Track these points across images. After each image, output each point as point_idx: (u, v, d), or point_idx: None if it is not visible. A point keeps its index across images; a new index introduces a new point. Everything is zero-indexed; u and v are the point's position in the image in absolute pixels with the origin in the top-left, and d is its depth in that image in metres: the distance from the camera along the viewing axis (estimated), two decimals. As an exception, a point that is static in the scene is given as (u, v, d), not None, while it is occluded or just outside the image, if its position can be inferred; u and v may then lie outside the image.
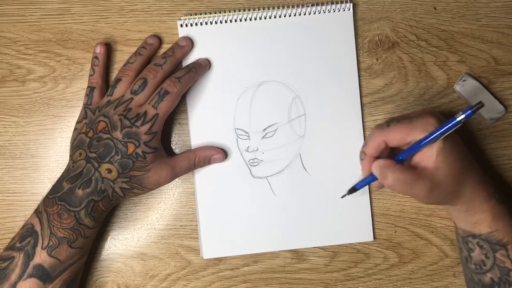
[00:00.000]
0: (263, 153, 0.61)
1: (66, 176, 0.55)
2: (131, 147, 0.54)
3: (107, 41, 0.62)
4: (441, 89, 0.62)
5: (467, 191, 0.54)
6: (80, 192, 0.54)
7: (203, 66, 0.60)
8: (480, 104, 0.50)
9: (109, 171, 0.54)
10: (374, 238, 0.62)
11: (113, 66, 0.62)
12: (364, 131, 0.62)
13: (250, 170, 0.61)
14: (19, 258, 0.53)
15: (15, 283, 0.52)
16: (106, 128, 0.55)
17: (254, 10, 0.61)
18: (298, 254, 0.62)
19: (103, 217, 0.57)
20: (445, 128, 0.51)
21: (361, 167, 0.57)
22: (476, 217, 0.55)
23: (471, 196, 0.55)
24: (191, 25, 0.61)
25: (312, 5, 0.61)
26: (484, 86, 0.61)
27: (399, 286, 0.62)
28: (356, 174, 0.61)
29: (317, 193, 0.61)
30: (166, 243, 0.62)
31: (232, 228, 0.61)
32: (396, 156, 0.54)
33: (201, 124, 0.61)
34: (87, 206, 0.54)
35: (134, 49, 0.61)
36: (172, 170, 0.57)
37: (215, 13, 0.61)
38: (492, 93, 0.61)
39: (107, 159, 0.54)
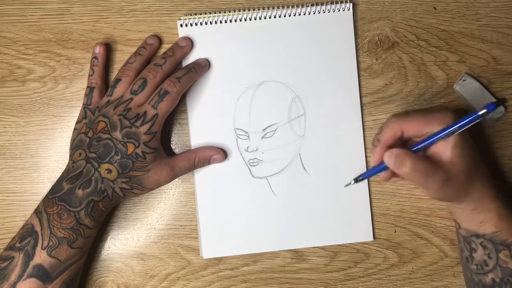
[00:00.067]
0: (263, 153, 0.61)
1: (66, 176, 0.55)
2: (130, 147, 0.54)
3: (107, 41, 0.62)
4: (441, 89, 0.62)
5: (476, 189, 0.54)
6: (80, 192, 0.54)
7: (203, 66, 0.60)
8: (502, 100, 0.50)
9: (109, 171, 0.54)
10: (374, 238, 0.62)
11: (113, 66, 0.62)
12: (364, 131, 0.62)
13: (250, 170, 0.61)
14: (19, 258, 0.53)
15: (15, 283, 0.52)
16: (106, 128, 0.55)
17: (254, 10, 0.61)
18: (298, 254, 0.62)
19: (103, 217, 0.57)
20: (465, 121, 0.50)
21: (372, 154, 0.56)
22: (482, 216, 0.55)
23: (479, 194, 0.55)
24: (191, 25, 0.61)
25: (312, 5, 0.61)
26: (484, 86, 0.61)
27: (399, 286, 0.62)
28: (356, 174, 0.61)
29: (317, 193, 0.61)
30: (166, 243, 0.62)
31: (232, 228, 0.61)
32: (410, 146, 0.53)
33: (201, 124, 0.61)
34: (87, 206, 0.54)
35: (134, 49, 0.61)
36: (172, 170, 0.57)
37: (215, 13, 0.61)
38: (492, 93, 0.61)
39: (107, 159, 0.54)
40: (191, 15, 0.61)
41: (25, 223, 0.55)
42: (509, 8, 0.62)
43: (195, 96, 0.61)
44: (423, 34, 0.62)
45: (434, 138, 0.52)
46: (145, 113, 0.55)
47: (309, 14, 0.61)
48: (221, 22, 0.61)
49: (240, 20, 0.61)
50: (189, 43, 0.60)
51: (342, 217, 0.61)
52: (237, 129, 0.61)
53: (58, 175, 0.56)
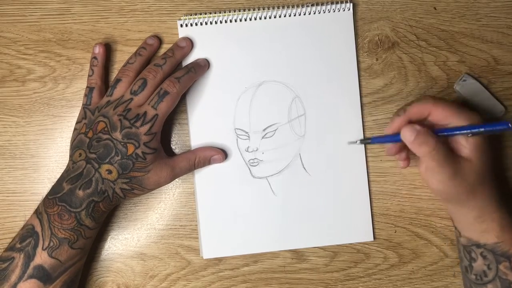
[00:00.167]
0: (263, 153, 0.61)
1: (66, 176, 0.55)
2: (131, 148, 0.54)
3: (107, 41, 0.62)
4: (441, 89, 0.62)
5: (481, 196, 0.54)
6: (80, 193, 0.54)
7: (202, 66, 0.60)
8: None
9: (109, 172, 0.54)
10: (374, 238, 0.62)
11: (113, 66, 0.62)
12: (364, 131, 0.62)
13: (250, 170, 0.61)
14: (19, 259, 0.53)
15: (15, 284, 0.52)
16: (106, 129, 0.55)
17: (254, 10, 0.61)
18: (298, 254, 0.62)
19: (103, 218, 0.57)
20: (493, 128, 0.51)
21: (391, 122, 0.56)
22: (484, 225, 0.55)
23: (483, 201, 0.54)
24: (191, 25, 0.61)
25: (312, 5, 0.61)
26: (484, 86, 0.61)
27: (399, 286, 0.62)
28: (356, 174, 0.61)
29: (317, 193, 0.61)
30: (166, 243, 0.62)
31: (232, 228, 0.61)
32: (434, 130, 0.54)
33: (201, 124, 0.61)
34: (87, 207, 0.54)
35: (134, 49, 0.61)
36: (172, 171, 0.57)
37: (215, 13, 0.61)
38: (492, 93, 0.61)
39: (107, 160, 0.54)
40: (191, 15, 0.61)
41: (25, 224, 0.55)
42: (509, 8, 0.62)
43: (195, 96, 0.61)
44: (423, 34, 0.62)
45: (458, 132, 0.52)
46: (145, 113, 0.55)
47: (309, 14, 0.61)
48: (221, 22, 0.61)
49: (240, 20, 0.61)
50: (189, 44, 0.60)
51: (342, 217, 0.61)
52: (237, 129, 0.61)
53: (58, 175, 0.56)
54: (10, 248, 0.54)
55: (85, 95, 0.59)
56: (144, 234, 0.62)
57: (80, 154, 0.55)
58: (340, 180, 0.61)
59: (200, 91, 0.61)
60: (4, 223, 0.62)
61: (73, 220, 0.53)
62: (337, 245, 0.62)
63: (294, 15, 0.61)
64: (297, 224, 0.61)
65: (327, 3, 0.61)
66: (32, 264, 0.52)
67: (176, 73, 0.57)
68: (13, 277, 0.52)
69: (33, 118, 0.62)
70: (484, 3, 0.62)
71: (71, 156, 0.56)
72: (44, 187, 0.61)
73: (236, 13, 0.61)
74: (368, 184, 0.62)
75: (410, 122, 0.54)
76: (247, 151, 0.61)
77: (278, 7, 0.61)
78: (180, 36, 0.61)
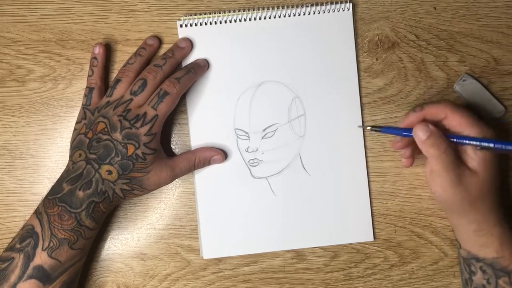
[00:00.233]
0: (263, 153, 0.61)
1: (66, 177, 0.55)
2: (131, 149, 0.54)
3: (107, 41, 0.62)
4: (441, 89, 0.62)
5: (482, 210, 0.54)
6: (80, 193, 0.54)
7: (202, 66, 0.60)
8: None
9: (109, 172, 0.54)
10: (374, 238, 0.62)
11: (113, 66, 0.62)
12: (364, 131, 0.62)
13: (250, 171, 0.61)
14: (19, 259, 0.53)
15: (15, 284, 0.52)
16: (106, 129, 0.55)
17: (253, 10, 0.61)
18: (298, 254, 0.62)
19: (103, 218, 0.57)
20: (503, 147, 0.52)
21: (406, 117, 0.56)
22: (483, 239, 0.55)
23: (483, 215, 0.54)
24: (191, 25, 0.61)
25: (312, 5, 0.61)
26: (484, 86, 0.61)
27: (399, 286, 0.62)
28: (356, 174, 0.61)
29: (317, 193, 0.61)
30: (166, 243, 0.62)
31: (232, 229, 0.61)
32: (447, 134, 0.54)
33: (201, 125, 0.61)
34: (87, 208, 0.54)
35: (134, 49, 0.61)
36: (172, 171, 0.57)
37: (215, 13, 0.61)
38: (492, 93, 0.61)
39: (107, 161, 0.54)
40: (190, 16, 0.61)
41: (25, 224, 0.55)
42: (509, 8, 0.62)
43: (195, 97, 0.61)
44: (423, 34, 0.62)
45: (469, 142, 0.53)
46: (145, 114, 0.55)
47: (309, 14, 0.61)
48: (220, 22, 0.61)
49: (240, 21, 0.61)
50: (189, 44, 0.60)
51: (342, 217, 0.61)
52: (237, 129, 0.61)
53: (58, 175, 0.56)
54: (10, 248, 0.54)
55: (85, 95, 0.59)
56: (144, 234, 0.62)
57: (80, 155, 0.55)
58: (340, 180, 0.61)
59: (200, 92, 0.61)
60: (4, 223, 0.62)
61: (73, 221, 0.53)
62: (337, 245, 0.62)
63: (294, 15, 0.61)
64: (297, 224, 0.61)
65: (326, 3, 0.61)
66: (32, 265, 0.52)
67: (176, 74, 0.57)
68: (13, 277, 0.52)
69: (33, 118, 0.62)
70: (484, 3, 0.62)
71: (70, 156, 0.56)
72: (44, 187, 0.61)
73: (235, 13, 0.61)
74: (368, 184, 0.62)
75: (424, 120, 0.55)
76: (247, 151, 0.61)
77: (278, 7, 0.61)
78: (180, 36, 0.61)
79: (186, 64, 0.60)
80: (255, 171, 0.61)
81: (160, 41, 0.61)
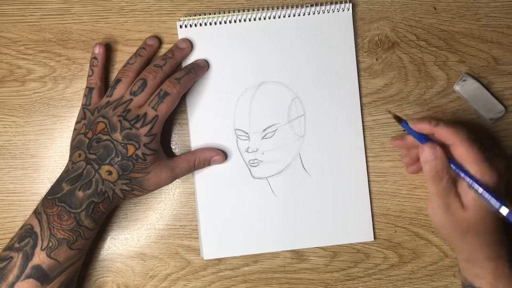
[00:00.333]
0: (263, 153, 0.61)
1: (66, 177, 0.55)
2: (131, 149, 0.54)
3: (107, 41, 0.62)
4: (441, 89, 0.62)
5: (472, 242, 0.54)
6: (80, 193, 0.54)
7: (202, 66, 0.60)
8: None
9: (109, 173, 0.54)
10: (375, 238, 0.62)
11: (113, 66, 0.62)
12: (364, 131, 0.62)
13: (250, 171, 0.61)
14: (18, 258, 0.53)
15: (13, 284, 0.52)
16: (106, 129, 0.55)
17: (253, 10, 0.61)
18: (298, 254, 0.62)
19: (103, 219, 0.57)
20: (489, 200, 0.51)
21: (420, 120, 0.55)
22: (476, 270, 0.55)
23: (473, 248, 0.54)
24: (190, 26, 0.61)
25: (311, 5, 0.61)
26: (484, 86, 0.61)
27: (399, 286, 0.62)
28: (356, 174, 0.61)
29: (317, 193, 0.61)
30: (166, 243, 0.62)
31: (232, 229, 0.61)
32: (450, 160, 0.54)
33: (201, 125, 0.61)
34: (87, 208, 0.54)
35: (134, 49, 0.61)
36: (172, 172, 0.57)
37: (214, 13, 0.61)
38: (492, 93, 0.61)
39: (107, 161, 0.54)
40: (190, 16, 0.61)
41: (24, 224, 0.55)
42: (509, 8, 0.62)
43: (195, 97, 0.61)
44: (423, 34, 0.62)
45: (463, 176, 0.52)
46: (145, 114, 0.55)
47: (309, 14, 0.61)
48: (220, 23, 0.61)
49: (240, 21, 0.61)
50: (189, 45, 0.60)
51: (342, 217, 0.61)
52: (237, 129, 0.61)
53: (58, 175, 0.56)
54: (9, 247, 0.54)
55: (85, 95, 0.59)
56: (144, 234, 0.62)
57: (80, 155, 0.55)
58: (340, 180, 0.61)
59: (200, 92, 0.61)
60: (4, 223, 0.62)
61: (73, 221, 0.53)
62: (337, 245, 0.62)
63: (293, 16, 0.61)
64: (298, 224, 0.61)
65: (326, 4, 0.61)
66: (30, 264, 0.52)
67: (176, 74, 0.57)
68: (11, 277, 0.52)
69: (33, 118, 0.62)
70: (484, 3, 0.62)
71: (70, 156, 0.56)
72: (44, 187, 0.61)
73: (235, 13, 0.61)
74: (368, 184, 0.62)
75: (435, 135, 0.55)
76: (247, 151, 0.61)
77: (278, 8, 0.61)
78: (180, 37, 0.61)
79: (186, 65, 0.60)
80: (255, 172, 0.61)
81: (160, 41, 0.61)
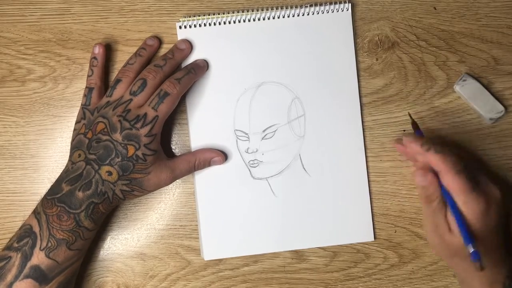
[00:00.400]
0: (263, 154, 0.61)
1: (65, 177, 0.55)
2: (131, 150, 0.54)
3: (107, 41, 0.62)
4: (441, 89, 0.62)
5: (460, 265, 0.54)
6: (80, 194, 0.54)
7: (201, 67, 0.60)
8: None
9: (110, 173, 0.54)
10: (375, 238, 0.62)
11: (113, 66, 0.62)
12: (364, 131, 0.62)
13: (250, 171, 0.61)
14: (16, 258, 0.53)
15: (11, 283, 0.52)
16: (105, 130, 0.55)
17: (252, 11, 0.61)
18: (298, 254, 0.62)
19: (102, 219, 0.57)
20: (464, 239, 0.50)
21: (415, 145, 0.53)
22: None
23: (463, 270, 0.55)
24: (190, 26, 0.61)
25: (311, 5, 0.61)
26: (484, 86, 0.61)
27: (399, 286, 0.62)
28: (356, 174, 0.61)
29: (317, 194, 0.61)
30: (166, 243, 0.62)
31: (232, 230, 0.61)
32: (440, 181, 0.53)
33: (201, 126, 0.61)
34: (87, 208, 0.54)
35: (134, 49, 0.60)
36: (172, 173, 0.57)
37: (214, 14, 0.61)
38: (492, 93, 0.61)
39: (107, 161, 0.54)
40: (190, 17, 0.61)
41: (23, 224, 0.55)
42: (509, 8, 0.62)
43: (195, 98, 0.61)
44: (423, 34, 0.62)
45: (448, 202, 0.52)
46: (145, 114, 0.55)
47: (308, 14, 0.61)
48: (220, 23, 0.61)
49: (239, 22, 0.61)
50: (189, 46, 0.60)
51: (342, 217, 0.61)
52: (237, 130, 0.61)
53: (58, 175, 0.56)
54: (7, 247, 0.54)
55: (84, 95, 0.59)
56: (144, 234, 0.62)
57: (80, 155, 0.55)
58: (340, 180, 0.61)
59: (200, 93, 0.61)
60: (3, 223, 0.62)
61: (72, 221, 0.53)
62: (337, 245, 0.62)
63: (293, 16, 0.61)
64: (298, 224, 0.61)
65: (325, 4, 0.61)
66: (29, 264, 0.52)
67: (176, 74, 0.57)
68: (9, 276, 0.52)
69: (33, 118, 0.62)
70: (484, 3, 0.62)
71: (70, 156, 0.56)
72: (44, 187, 0.61)
73: (234, 14, 0.61)
74: (368, 184, 0.62)
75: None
76: (247, 152, 0.61)
77: (277, 8, 0.61)
78: (179, 38, 0.61)
79: (185, 65, 0.60)
80: (255, 172, 0.61)
81: (160, 42, 0.61)
